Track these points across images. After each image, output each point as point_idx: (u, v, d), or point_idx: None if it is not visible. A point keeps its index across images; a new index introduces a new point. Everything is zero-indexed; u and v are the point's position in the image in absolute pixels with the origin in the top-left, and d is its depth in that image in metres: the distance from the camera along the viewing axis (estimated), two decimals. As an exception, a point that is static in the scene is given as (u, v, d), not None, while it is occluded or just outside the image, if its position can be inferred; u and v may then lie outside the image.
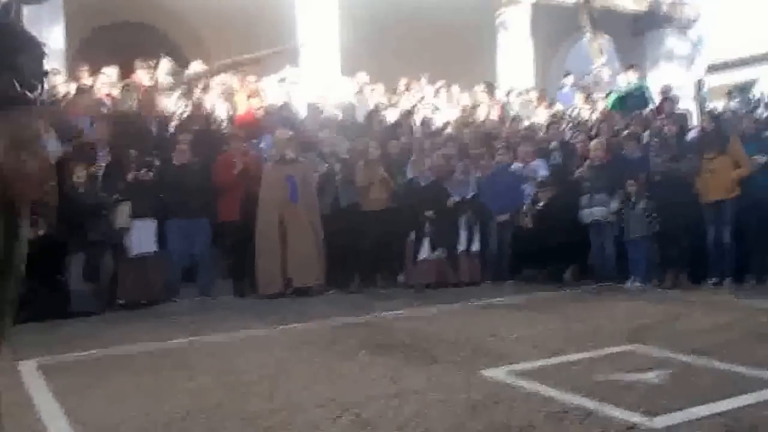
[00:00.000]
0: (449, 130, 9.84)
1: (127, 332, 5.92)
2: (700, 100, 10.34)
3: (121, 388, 4.11)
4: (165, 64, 9.53)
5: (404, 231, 8.11)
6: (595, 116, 10.08)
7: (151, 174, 7.23)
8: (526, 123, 9.99)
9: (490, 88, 11.67)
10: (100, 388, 4.13)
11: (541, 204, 7.87)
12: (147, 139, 7.82)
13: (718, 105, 10.38)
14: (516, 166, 8.22)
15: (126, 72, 9.08)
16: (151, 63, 9.54)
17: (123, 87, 8.43)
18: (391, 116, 9.91)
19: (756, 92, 10.61)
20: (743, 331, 5.08)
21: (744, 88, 10.57)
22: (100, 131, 7.46)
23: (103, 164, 7.26)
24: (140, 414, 3.56)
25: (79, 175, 6.88)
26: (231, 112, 9.24)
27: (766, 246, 7.32)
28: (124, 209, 7.11)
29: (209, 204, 7.55)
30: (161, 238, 7.36)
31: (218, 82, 9.65)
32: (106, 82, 8.52)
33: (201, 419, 3.43)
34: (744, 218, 7.13)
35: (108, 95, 8.43)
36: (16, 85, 1.84)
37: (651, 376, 3.93)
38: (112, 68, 8.86)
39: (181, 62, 10.26)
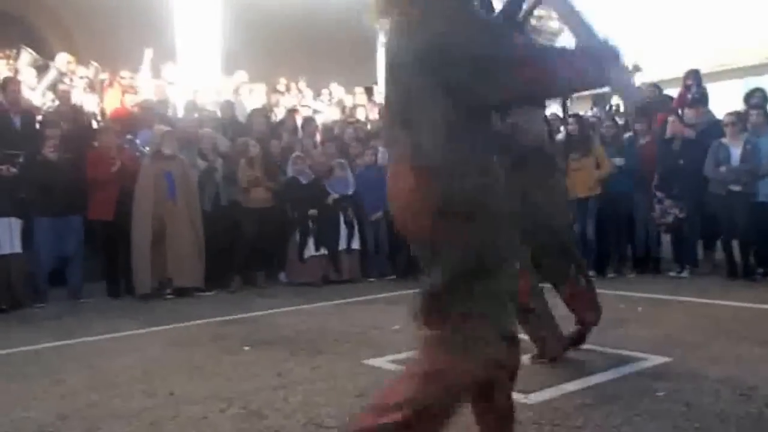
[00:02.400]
0: (331, 128, 9.92)
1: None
2: (566, 107, 11.01)
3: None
4: (26, 55, 8.94)
5: (285, 229, 8.07)
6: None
7: (14, 170, 6.74)
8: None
9: (369, 91, 11.88)
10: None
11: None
12: (9, 134, 7.27)
13: (581, 112, 11.12)
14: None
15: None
16: (10, 53, 8.92)
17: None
18: (271, 116, 9.84)
19: (612, 102, 11.46)
20: (605, 316, 5.47)
21: (603, 98, 11.41)
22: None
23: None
24: (8, 417, 3.34)
25: None
26: (100, 105, 8.81)
27: (623, 240, 7.97)
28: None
29: (80, 201, 7.14)
30: (27, 237, 6.87)
31: (83, 74, 9.19)
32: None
33: (76, 420, 3.26)
34: (604, 215, 7.70)
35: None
36: None
37: (524, 358, 4.16)
38: None
39: (47, 55, 9.65)
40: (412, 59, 1.94)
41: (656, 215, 7.55)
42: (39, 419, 3.30)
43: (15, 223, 6.76)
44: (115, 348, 4.98)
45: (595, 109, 10.95)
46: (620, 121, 9.45)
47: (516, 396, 3.37)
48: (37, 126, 7.71)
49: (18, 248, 6.76)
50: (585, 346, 4.37)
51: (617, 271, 7.76)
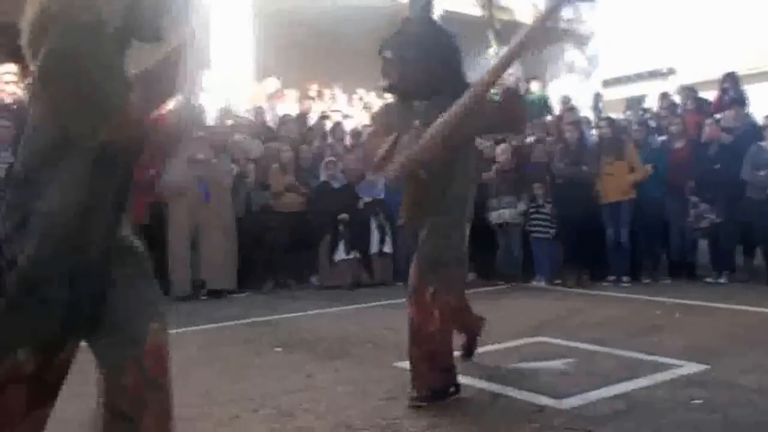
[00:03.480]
0: (360, 133, 9.95)
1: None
2: (598, 111, 10.94)
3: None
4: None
5: (316, 233, 8.12)
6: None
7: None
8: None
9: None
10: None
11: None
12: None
13: (614, 116, 11.01)
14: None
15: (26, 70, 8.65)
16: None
17: (27, 84, 8.02)
18: (303, 121, 9.94)
19: (646, 106, 11.33)
20: (639, 322, 5.43)
21: (637, 102, 11.28)
22: (2, 129, 7.07)
23: (4, 164, 6.88)
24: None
25: None
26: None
27: (657, 245, 7.85)
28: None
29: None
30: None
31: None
32: (11, 79, 8.08)
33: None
34: (638, 219, 7.59)
35: (12, 93, 8.01)
36: None
37: (556, 363, 4.14)
38: (9, 65, 8.41)
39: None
40: None
41: (691, 220, 7.43)
42: (77, 416, 3.36)
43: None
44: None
45: (628, 113, 10.83)
46: (653, 125, 9.33)
47: (548, 400, 3.38)
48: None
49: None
50: (619, 352, 4.32)
51: (652, 277, 7.64)
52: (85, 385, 2.08)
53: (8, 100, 7.79)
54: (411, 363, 3.50)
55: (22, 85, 7.95)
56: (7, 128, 7.11)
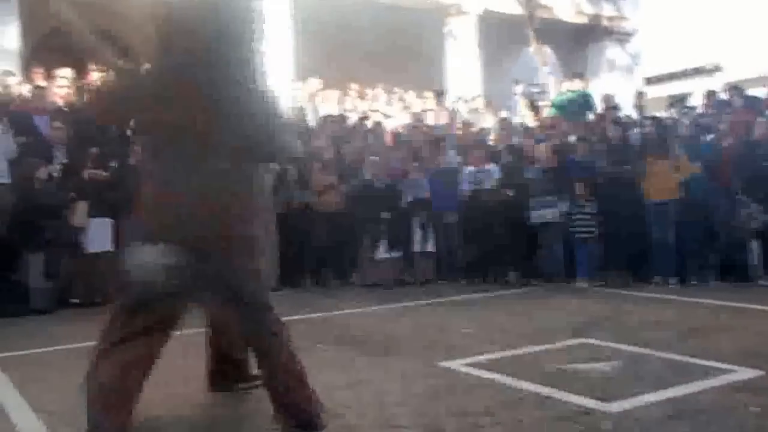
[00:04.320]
0: (401, 132, 9.96)
1: (83, 328, 5.75)
2: (641, 109, 10.72)
3: (80, 381, 4.03)
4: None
5: (356, 232, 8.15)
6: (537, 123, 10.32)
7: (106, 173, 7.13)
8: (475, 129, 10.17)
9: (438, 95, 11.87)
10: (60, 380, 4.06)
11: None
12: (104, 139, 7.69)
13: (657, 114, 10.79)
14: (469, 169, 8.36)
15: (80, 74, 8.95)
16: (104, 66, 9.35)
17: (78, 88, 8.29)
18: (343, 121, 9.98)
19: (690, 104, 11.08)
20: (686, 325, 5.29)
21: (681, 100, 11.04)
22: (56, 130, 7.33)
23: (59, 164, 7.14)
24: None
25: (40, 174, 6.80)
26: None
27: (704, 245, 7.64)
28: (81, 208, 7.00)
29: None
30: (119, 237, 7.23)
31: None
32: (62, 83, 8.39)
33: (186, 408, 3.39)
34: (684, 219, 7.41)
35: (64, 96, 8.29)
36: None
37: (601, 366, 4.07)
38: (66, 69, 8.71)
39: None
40: None
41: (742, 220, 7.22)
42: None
43: (107, 224, 7.14)
44: (194, 342, 5.13)
45: (672, 111, 10.59)
46: (699, 123, 9.11)
47: (594, 403, 3.32)
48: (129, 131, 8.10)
49: (109, 246, 7.12)
50: (666, 355, 4.22)
51: (699, 279, 7.44)
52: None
53: (61, 103, 8.06)
54: None
55: (74, 88, 8.21)
56: (61, 130, 7.38)
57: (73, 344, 5.12)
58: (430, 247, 8.15)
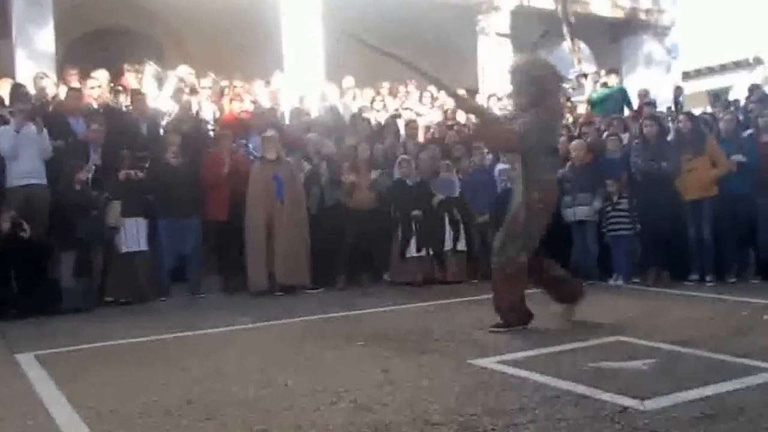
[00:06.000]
0: (432, 131, 9.97)
1: (118, 327, 5.95)
2: (679, 104, 10.56)
3: (117, 377, 4.18)
4: (150, 68, 9.60)
5: (389, 230, 8.18)
6: (572, 119, 10.22)
7: (141, 174, 7.27)
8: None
9: (471, 93, 11.82)
10: (97, 377, 4.19)
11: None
12: (138, 140, 7.86)
13: (695, 110, 10.62)
14: (503, 167, 8.33)
15: (113, 75, 9.16)
16: (138, 67, 9.59)
17: (113, 89, 8.49)
18: (374, 119, 10.02)
19: (731, 98, 10.86)
20: (724, 323, 5.20)
21: (720, 94, 10.83)
22: (93, 131, 7.49)
23: (95, 164, 7.30)
24: (138, 400, 3.59)
25: (81, 175, 6.96)
26: (217, 114, 9.30)
27: (744, 243, 7.49)
28: (116, 208, 7.14)
29: (198, 203, 7.56)
30: (152, 237, 7.36)
31: (206, 85, 9.76)
32: (96, 85, 8.59)
33: (199, 406, 3.46)
34: (722, 217, 7.27)
35: (98, 98, 8.48)
36: None
37: (637, 364, 4.03)
38: (101, 71, 8.93)
39: (164, 64, 10.34)
40: None
41: None
42: (166, 404, 3.52)
43: (141, 223, 7.29)
44: (231, 340, 5.24)
45: (716, 107, 10.39)
46: (740, 117, 8.92)
47: (630, 401, 3.30)
48: (161, 132, 8.25)
49: (144, 246, 7.28)
50: (704, 353, 4.16)
51: (739, 277, 7.30)
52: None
53: (95, 105, 8.25)
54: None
55: (109, 89, 8.41)
56: (99, 131, 7.54)
57: (108, 341, 5.28)
58: (461, 245, 8.14)
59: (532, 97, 5.12)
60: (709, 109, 10.34)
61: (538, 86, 5.10)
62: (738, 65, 17.45)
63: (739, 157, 7.29)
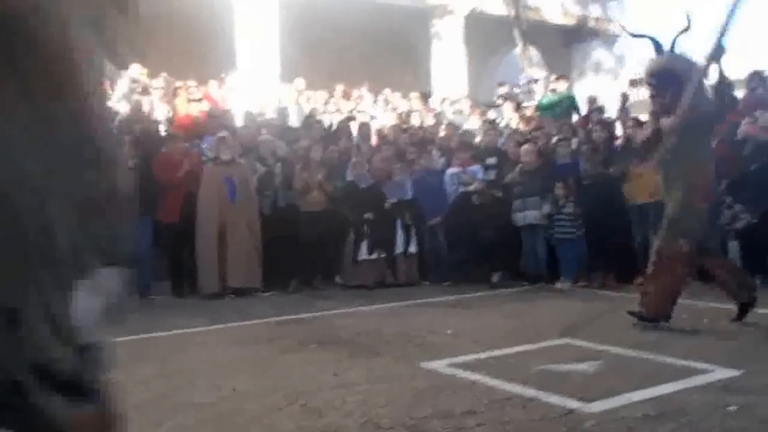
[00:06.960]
0: (387, 134, 9.99)
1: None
2: (625, 111, 10.81)
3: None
4: None
5: (342, 233, 8.16)
6: (523, 124, 10.37)
7: None
8: (461, 130, 10.21)
9: (425, 96, 11.92)
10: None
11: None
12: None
13: (641, 117, 10.88)
14: (454, 170, 8.40)
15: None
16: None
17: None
18: (327, 121, 10.00)
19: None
20: (668, 326, 5.35)
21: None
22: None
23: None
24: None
25: None
26: (170, 114, 9.15)
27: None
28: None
29: (150, 204, 7.40)
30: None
31: (158, 85, 9.58)
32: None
33: (148, 410, 3.38)
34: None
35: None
36: None
37: (585, 366, 4.10)
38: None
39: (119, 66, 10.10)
40: None
41: (725, 220, 7.30)
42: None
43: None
44: (182, 344, 5.15)
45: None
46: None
47: (577, 403, 3.36)
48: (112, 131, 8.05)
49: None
50: (648, 356, 4.28)
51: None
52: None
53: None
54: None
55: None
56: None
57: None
58: (413, 248, 8.18)
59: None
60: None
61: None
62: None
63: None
